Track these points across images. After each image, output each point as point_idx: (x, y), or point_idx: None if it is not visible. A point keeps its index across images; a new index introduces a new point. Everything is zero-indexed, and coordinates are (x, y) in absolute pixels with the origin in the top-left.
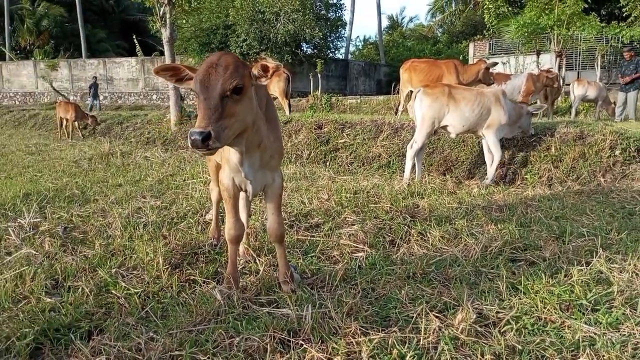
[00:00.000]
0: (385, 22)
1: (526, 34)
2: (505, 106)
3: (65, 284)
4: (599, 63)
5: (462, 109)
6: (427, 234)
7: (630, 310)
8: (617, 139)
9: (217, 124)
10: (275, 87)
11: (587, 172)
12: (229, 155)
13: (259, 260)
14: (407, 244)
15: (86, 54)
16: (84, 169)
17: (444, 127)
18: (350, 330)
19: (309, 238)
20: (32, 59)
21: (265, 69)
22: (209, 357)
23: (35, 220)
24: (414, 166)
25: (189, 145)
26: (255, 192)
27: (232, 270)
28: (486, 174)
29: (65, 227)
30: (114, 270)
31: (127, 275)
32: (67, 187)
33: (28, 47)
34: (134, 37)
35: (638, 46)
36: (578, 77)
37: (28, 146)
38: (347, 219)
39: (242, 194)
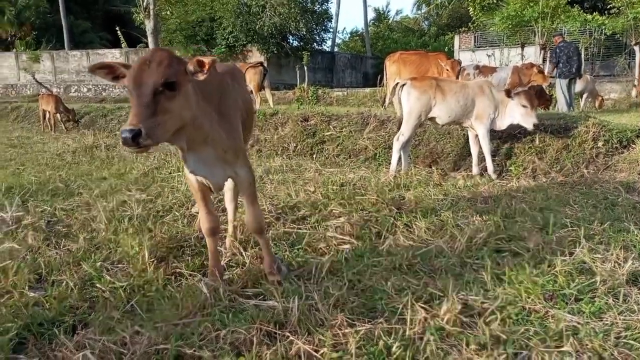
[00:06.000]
0: (371, 15)
1: (511, 26)
2: (491, 97)
3: (49, 278)
4: (582, 55)
5: (448, 101)
6: (413, 225)
7: (612, 300)
8: (600, 130)
9: (149, 121)
10: (251, 80)
11: (570, 164)
12: None
13: (245, 253)
14: (393, 235)
15: (69, 46)
16: (68, 162)
17: (431, 119)
18: (337, 322)
19: (295, 230)
20: (14, 50)
21: (201, 64)
22: (195, 351)
23: (18, 214)
24: (400, 158)
25: (121, 144)
26: (217, 186)
27: (214, 262)
28: (471, 165)
29: (48, 221)
30: (98, 264)
31: (112, 269)
32: (51, 181)
33: (9, 39)
34: (117, 28)
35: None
36: None
37: (10, 139)
38: (333, 211)
39: (227, 186)
